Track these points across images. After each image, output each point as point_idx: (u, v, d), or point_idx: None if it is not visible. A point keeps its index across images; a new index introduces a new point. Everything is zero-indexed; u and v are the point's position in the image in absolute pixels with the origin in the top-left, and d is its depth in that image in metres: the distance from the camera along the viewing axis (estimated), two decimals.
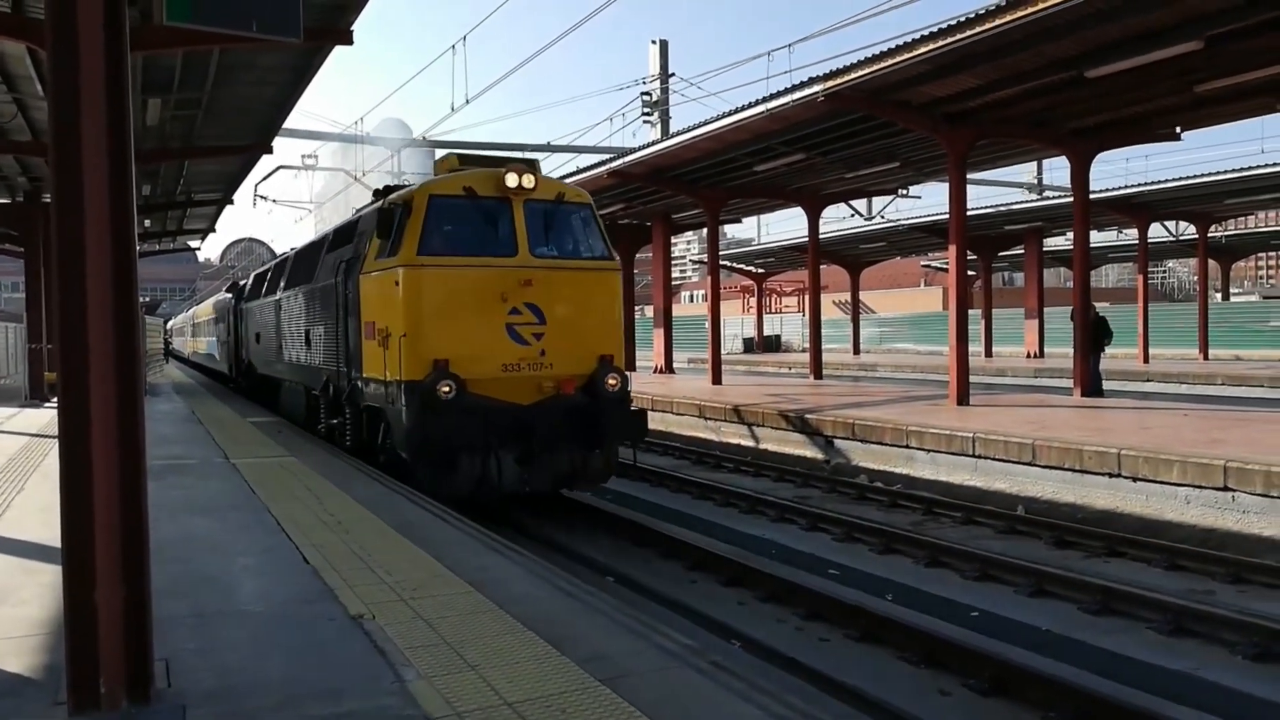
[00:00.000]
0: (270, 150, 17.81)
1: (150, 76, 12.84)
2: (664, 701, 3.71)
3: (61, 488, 3.54)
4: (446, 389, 8.86)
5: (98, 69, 3.52)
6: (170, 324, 56.02)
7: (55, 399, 6.53)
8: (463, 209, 9.47)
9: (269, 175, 48.92)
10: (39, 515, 7.54)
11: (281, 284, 15.36)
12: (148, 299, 54.84)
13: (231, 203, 25.06)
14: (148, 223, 26.20)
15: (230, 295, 23.85)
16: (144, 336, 20.03)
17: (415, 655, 4.21)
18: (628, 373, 10.18)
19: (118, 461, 3.56)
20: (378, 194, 11.34)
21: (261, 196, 27.72)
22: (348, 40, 11.16)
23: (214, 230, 31.81)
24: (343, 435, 11.47)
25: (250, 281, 20.94)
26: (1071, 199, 18.91)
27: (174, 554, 6.11)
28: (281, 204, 31.74)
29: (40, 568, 5.84)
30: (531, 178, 9.60)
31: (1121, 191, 27.90)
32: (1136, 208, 28.96)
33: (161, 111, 14.26)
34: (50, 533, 5.41)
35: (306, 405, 14.02)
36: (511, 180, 9.47)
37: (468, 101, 20.74)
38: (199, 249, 51.89)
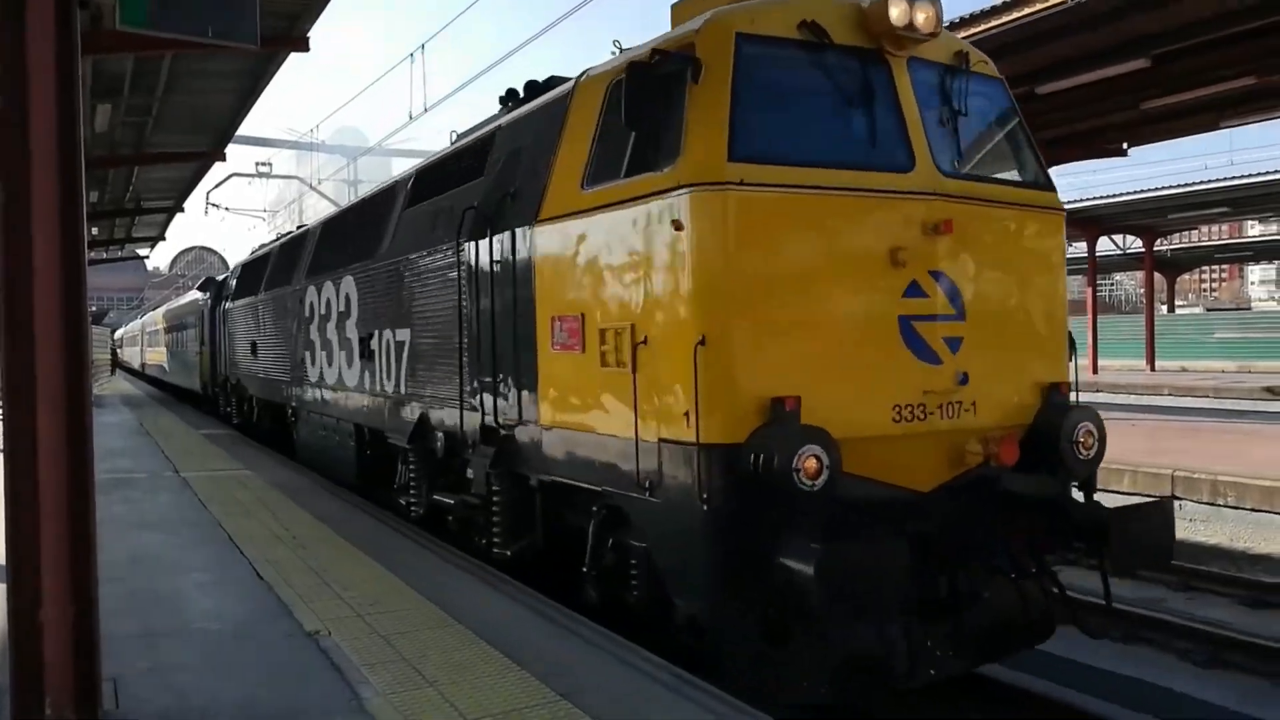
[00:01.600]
0: (223, 157, 17.61)
1: (100, 81, 12.58)
2: (624, 715, 3.68)
3: (6, 502, 3.43)
4: (814, 466, 4.21)
5: (48, 71, 3.43)
6: (119, 333, 54.87)
7: None
8: (803, 69, 4.85)
9: (221, 183, 48.23)
10: None
11: (303, 269, 11.26)
12: (94, 308, 53.75)
13: (183, 210, 24.68)
14: (95, 230, 25.67)
15: (205, 295, 20.11)
16: (91, 346, 19.49)
17: (373, 672, 4.14)
18: None
19: (65, 475, 3.46)
20: (512, 96, 7.18)
21: (214, 204, 27.31)
22: (304, 47, 11.05)
23: (164, 238, 31.31)
24: (478, 531, 6.49)
25: (237, 274, 16.48)
26: None
27: (122, 571, 5.97)
28: (234, 212, 31.15)
29: None
30: (930, 11, 4.91)
31: (1071, 205, 28.50)
32: (1085, 221, 29.63)
33: (111, 117, 13.98)
34: None
35: (361, 458, 9.17)
36: (898, 12, 4.82)
37: (426, 110, 20.41)
38: (148, 257, 50.89)
